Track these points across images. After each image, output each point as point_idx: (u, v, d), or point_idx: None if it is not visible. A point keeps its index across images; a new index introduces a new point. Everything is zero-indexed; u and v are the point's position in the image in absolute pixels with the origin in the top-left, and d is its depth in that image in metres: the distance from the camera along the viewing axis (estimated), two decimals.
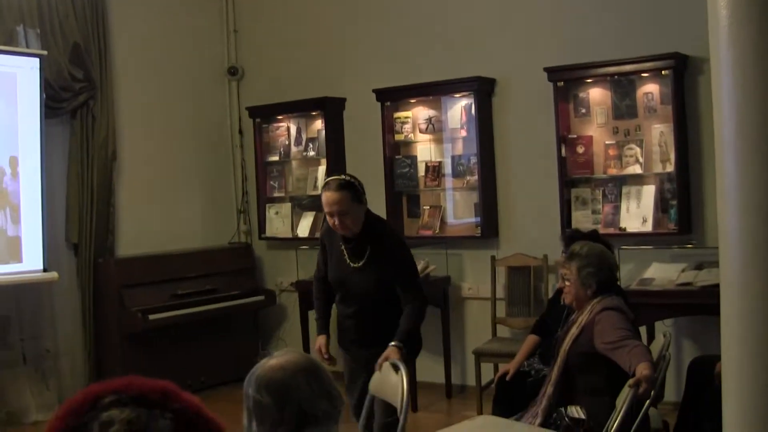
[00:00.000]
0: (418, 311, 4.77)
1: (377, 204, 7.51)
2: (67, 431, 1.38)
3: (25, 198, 7.33)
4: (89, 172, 8.14)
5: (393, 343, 4.57)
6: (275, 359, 2.42)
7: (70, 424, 1.39)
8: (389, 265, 4.75)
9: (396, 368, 4.37)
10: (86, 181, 8.12)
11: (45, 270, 7.44)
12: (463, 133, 7.89)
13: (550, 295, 6.90)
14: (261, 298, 8.82)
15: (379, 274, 4.75)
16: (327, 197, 4.70)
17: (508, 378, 5.64)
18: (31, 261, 7.38)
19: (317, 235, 7.69)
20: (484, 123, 7.73)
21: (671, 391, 6.57)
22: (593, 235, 5.35)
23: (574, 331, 4.61)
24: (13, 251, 7.28)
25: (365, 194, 4.79)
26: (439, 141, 8.12)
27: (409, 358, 4.76)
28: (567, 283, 4.71)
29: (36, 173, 7.36)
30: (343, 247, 4.88)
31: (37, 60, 7.33)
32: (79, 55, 7.99)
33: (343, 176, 4.81)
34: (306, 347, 7.95)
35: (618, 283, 5.23)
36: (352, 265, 4.83)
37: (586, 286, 4.64)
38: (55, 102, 7.79)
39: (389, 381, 4.42)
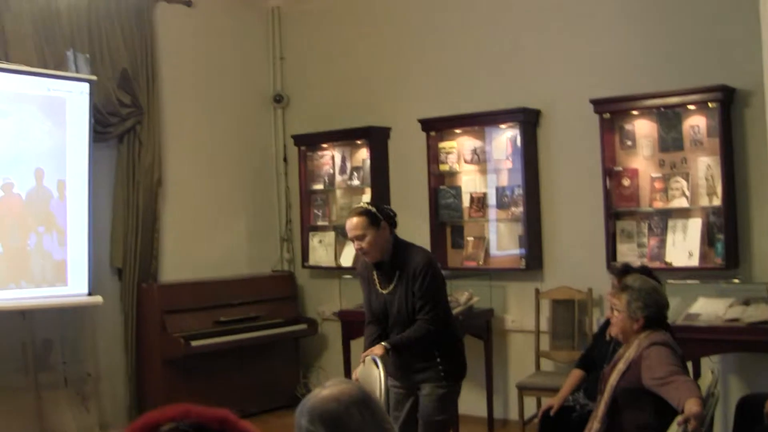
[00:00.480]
0: (423, 329, 4.90)
1: (421, 234, 7.95)
2: None
3: (72, 221, 7.36)
4: (135, 196, 8.17)
5: (383, 342, 4.88)
6: (328, 390, 2.37)
7: None
8: (414, 286, 4.92)
9: (376, 364, 4.62)
10: (131, 205, 8.15)
11: (89, 294, 7.45)
12: (508, 164, 7.84)
13: (595, 328, 6.84)
14: (303, 326, 8.81)
15: (407, 297, 4.93)
16: (347, 224, 5.04)
17: (552, 413, 5.60)
18: (76, 284, 7.40)
19: None
20: (529, 154, 7.68)
21: (719, 429, 6.41)
22: (644, 270, 5.32)
23: (621, 366, 4.53)
24: (59, 274, 7.30)
25: (390, 220, 5.03)
26: (483, 172, 8.08)
27: (453, 382, 5.02)
28: (616, 313, 4.68)
29: (83, 197, 7.40)
30: (375, 274, 5.12)
31: (86, 85, 7.39)
32: (127, 81, 8.05)
33: (363, 204, 5.14)
34: (348, 376, 7.79)
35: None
36: (381, 291, 5.05)
37: (633, 320, 4.58)
38: (103, 127, 7.84)
39: (371, 374, 4.62)
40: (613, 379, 4.52)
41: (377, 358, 4.66)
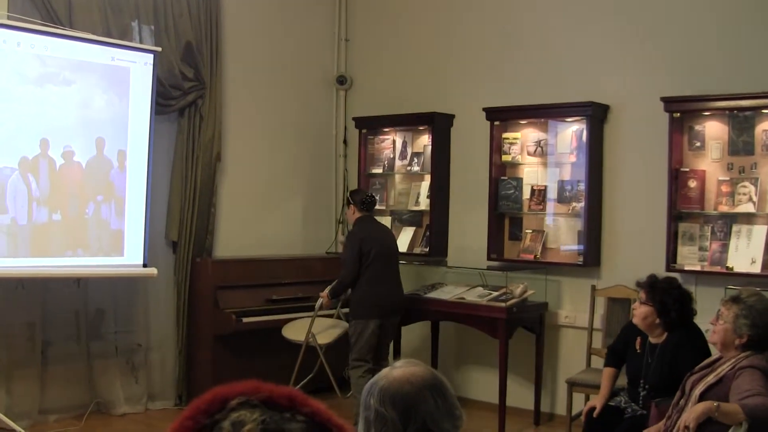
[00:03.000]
0: (336, 283, 7.39)
1: (478, 224, 8.16)
2: (197, 430, 1.39)
3: (130, 192, 7.43)
4: (193, 171, 8.21)
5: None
6: (399, 371, 2.35)
7: (201, 422, 1.40)
8: None
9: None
10: (189, 179, 8.19)
11: (145, 265, 7.52)
12: (572, 158, 7.82)
13: None
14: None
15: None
16: None
17: (595, 414, 5.65)
18: (131, 255, 7.47)
19: (417, 250, 8.65)
20: (594, 149, 7.65)
21: None
22: (670, 282, 5.49)
23: (710, 378, 4.51)
24: (116, 244, 7.38)
25: (361, 204, 7.34)
26: (546, 165, 8.05)
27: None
28: (720, 322, 4.64)
29: (142, 168, 7.46)
30: None
31: (151, 56, 7.45)
32: (191, 54, 8.09)
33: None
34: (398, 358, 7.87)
35: None
36: None
37: (736, 335, 4.55)
38: (165, 99, 7.90)
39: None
40: (700, 389, 4.48)
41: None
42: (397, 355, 8.17)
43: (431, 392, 2.29)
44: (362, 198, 7.40)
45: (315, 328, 7.66)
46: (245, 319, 7.92)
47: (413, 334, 8.49)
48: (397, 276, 7.53)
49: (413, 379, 2.31)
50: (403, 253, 8.49)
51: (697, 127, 7.13)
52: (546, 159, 8.05)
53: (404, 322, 7.94)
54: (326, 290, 7.41)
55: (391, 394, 2.28)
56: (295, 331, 7.80)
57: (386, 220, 8.97)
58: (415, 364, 2.39)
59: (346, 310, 7.78)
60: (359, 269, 7.24)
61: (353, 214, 7.41)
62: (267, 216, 9.01)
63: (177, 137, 8.20)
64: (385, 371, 2.37)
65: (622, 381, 5.88)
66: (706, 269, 6.96)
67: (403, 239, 8.83)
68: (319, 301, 7.49)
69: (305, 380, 7.92)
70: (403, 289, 7.63)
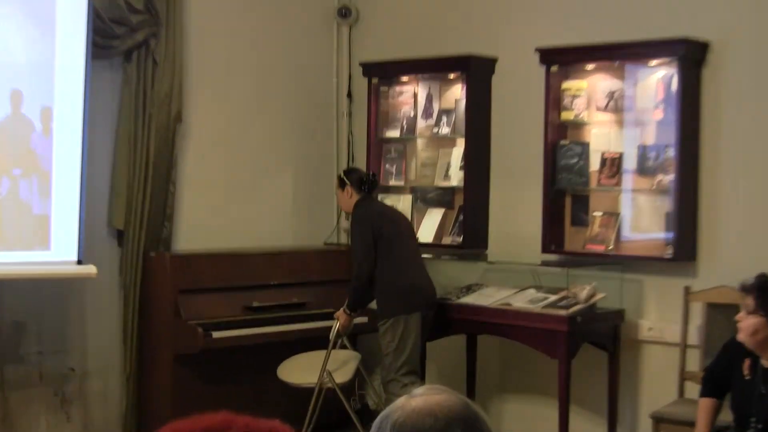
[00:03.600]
0: (350, 286, 7.66)
1: (529, 204, 8.15)
2: None
3: (59, 164, 7.22)
4: (145, 136, 7.99)
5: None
6: (420, 399, 2.27)
7: None
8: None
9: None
10: (140, 147, 7.98)
11: (79, 262, 7.29)
12: (658, 115, 7.56)
13: None
14: (363, 319, 8.36)
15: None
16: None
17: None
18: (61, 249, 7.27)
19: (446, 240, 8.64)
20: (688, 103, 7.36)
21: None
22: None
23: None
24: (40, 234, 7.24)
25: (359, 184, 7.53)
26: (621, 124, 7.82)
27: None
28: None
29: (75, 132, 7.22)
30: None
31: None
32: None
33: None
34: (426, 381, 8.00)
35: None
36: None
37: None
38: (105, 39, 7.68)
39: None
40: None
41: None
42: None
43: (463, 427, 2.23)
44: (361, 176, 7.62)
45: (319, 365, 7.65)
46: (216, 334, 7.74)
47: (442, 351, 8.40)
48: (422, 260, 7.81)
49: (438, 410, 2.24)
50: (427, 245, 8.46)
51: None
52: (622, 116, 7.81)
53: (430, 337, 7.87)
54: (342, 308, 7.55)
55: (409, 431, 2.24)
56: (300, 371, 7.75)
57: (405, 200, 8.87)
58: (440, 391, 2.32)
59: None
60: (376, 259, 7.34)
61: (350, 197, 7.56)
62: (246, 196, 8.87)
63: (122, 90, 7.96)
64: (400, 401, 2.31)
65: (726, 416, 5.77)
66: None
67: (429, 226, 8.70)
68: (336, 325, 7.57)
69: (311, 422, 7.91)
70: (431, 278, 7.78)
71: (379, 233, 7.33)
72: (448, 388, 2.37)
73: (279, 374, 7.71)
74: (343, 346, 7.98)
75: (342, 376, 7.66)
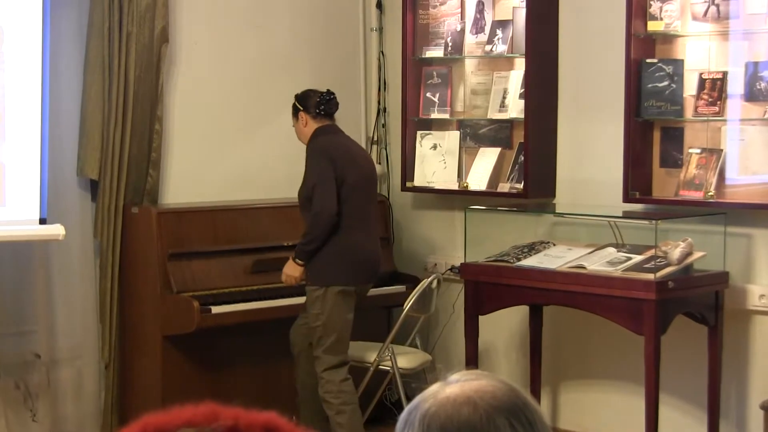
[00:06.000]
0: (307, 228, 6.93)
1: (607, 141, 7.77)
2: None
3: (13, 97, 6.88)
4: (122, 59, 7.45)
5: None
6: (456, 387, 2.10)
7: None
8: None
9: None
10: (116, 75, 7.44)
11: (43, 221, 7.03)
12: None
13: None
14: (400, 288, 8.12)
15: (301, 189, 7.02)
16: None
17: None
18: (19, 205, 7.00)
19: (503, 187, 8.27)
20: None
21: None
22: None
23: None
24: None
25: (315, 108, 7.00)
26: (725, 36, 7.21)
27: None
28: None
29: (33, 57, 6.88)
30: None
31: None
32: None
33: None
34: (472, 364, 7.56)
35: None
36: None
37: None
38: None
39: None
40: None
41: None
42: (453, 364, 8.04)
43: (508, 418, 2.07)
44: (316, 100, 7.12)
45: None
46: (215, 309, 7.32)
47: (495, 328, 7.99)
48: (374, 221, 7.49)
49: (478, 398, 2.08)
50: (479, 192, 8.08)
51: None
52: (726, 26, 7.16)
53: (482, 309, 7.43)
54: (290, 260, 7.03)
55: (441, 424, 2.07)
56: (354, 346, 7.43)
57: (452, 138, 8.31)
58: (480, 375, 2.18)
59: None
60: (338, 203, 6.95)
61: (305, 126, 7.13)
62: (249, 136, 8.34)
63: (93, 2, 7.38)
64: (433, 388, 2.16)
65: None
66: None
67: (481, 169, 8.17)
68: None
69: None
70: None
71: (341, 177, 6.85)
72: (490, 373, 2.27)
73: None
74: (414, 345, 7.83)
75: (406, 362, 7.44)
